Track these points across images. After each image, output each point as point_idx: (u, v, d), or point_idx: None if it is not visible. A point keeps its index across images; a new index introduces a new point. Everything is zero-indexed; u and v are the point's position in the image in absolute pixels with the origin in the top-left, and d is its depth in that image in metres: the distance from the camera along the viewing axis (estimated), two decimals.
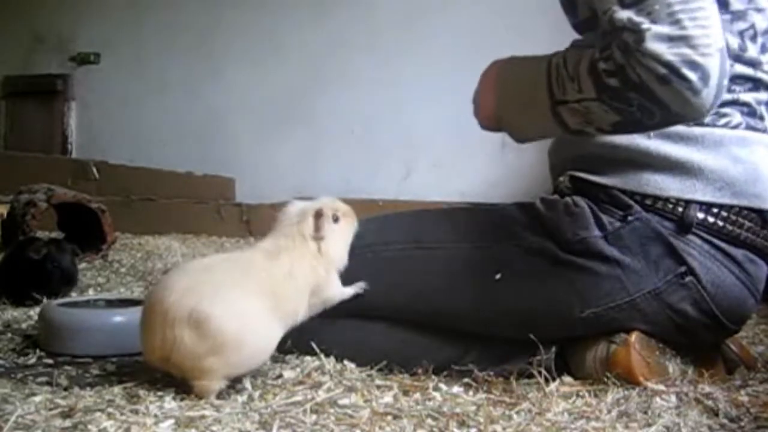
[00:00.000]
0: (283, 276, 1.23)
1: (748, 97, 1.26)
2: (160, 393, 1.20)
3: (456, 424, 1.08)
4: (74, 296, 2.02)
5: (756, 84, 1.27)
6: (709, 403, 1.14)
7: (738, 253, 1.27)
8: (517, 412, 1.12)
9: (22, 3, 4.79)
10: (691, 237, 1.26)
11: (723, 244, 1.26)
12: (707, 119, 1.21)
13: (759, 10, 1.27)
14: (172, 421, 1.05)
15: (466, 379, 1.29)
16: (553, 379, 1.26)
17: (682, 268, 1.26)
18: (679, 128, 1.23)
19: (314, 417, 1.09)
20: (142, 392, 1.20)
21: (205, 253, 3.13)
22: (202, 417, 1.07)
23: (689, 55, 1.06)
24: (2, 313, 1.88)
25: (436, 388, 1.24)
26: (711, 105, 1.09)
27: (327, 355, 1.38)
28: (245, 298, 1.18)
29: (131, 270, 2.64)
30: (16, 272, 2.02)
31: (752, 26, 1.26)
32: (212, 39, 4.38)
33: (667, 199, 1.26)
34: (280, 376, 1.30)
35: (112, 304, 1.68)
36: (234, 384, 1.21)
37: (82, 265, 2.41)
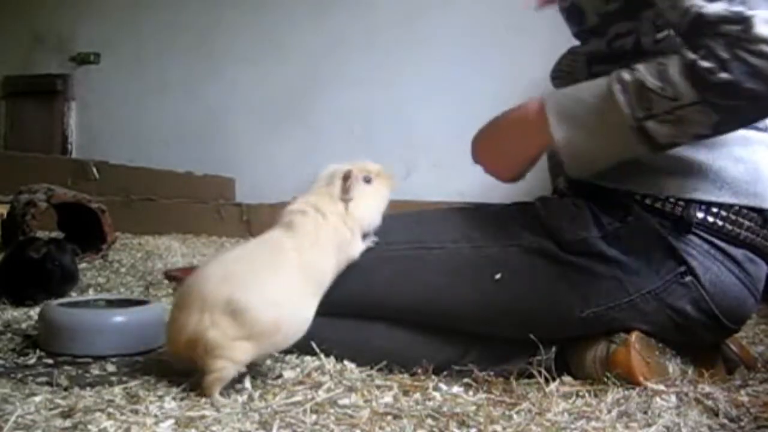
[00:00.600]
0: (310, 245, 1.25)
1: None
2: (160, 393, 1.20)
3: (456, 424, 1.07)
4: (74, 296, 2.02)
5: None
6: (709, 403, 1.14)
7: (738, 252, 1.27)
8: (517, 412, 1.12)
9: (22, 3, 4.80)
10: (690, 237, 1.26)
11: (723, 244, 1.26)
12: None
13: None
14: (172, 421, 1.05)
15: (466, 379, 1.29)
16: (553, 379, 1.26)
17: (682, 268, 1.26)
18: None
19: (314, 417, 1.09)
20: (142, 392, 1.20)
21: (204, 253, 3.13)
22: (202, 417, 1.07)
23: None
24: (2, 313, 1.88)
25: (436, 388, 1.24)
26: None
27: (327, 355, 1.38)
28: (279, 284, 1.22)
29: (131, 270, 2.64)
30: (17, 272, 2.02)
31: None
32: (212, 39, 4.38)
33: (666, 199, 1.26)
34: (280, 376, 1.30)
35: (112, 304, 1.68)
36: (234, 384, 1.21)
37: (82, 265, 2.41)
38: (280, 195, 3.90)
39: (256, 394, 1.19)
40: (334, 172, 1.32)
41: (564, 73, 1.43)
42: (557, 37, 1.45)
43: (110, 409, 1.09)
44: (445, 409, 1.14)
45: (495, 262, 1.27)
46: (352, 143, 4.03)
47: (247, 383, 1.22)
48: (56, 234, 2.82)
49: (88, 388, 1.23)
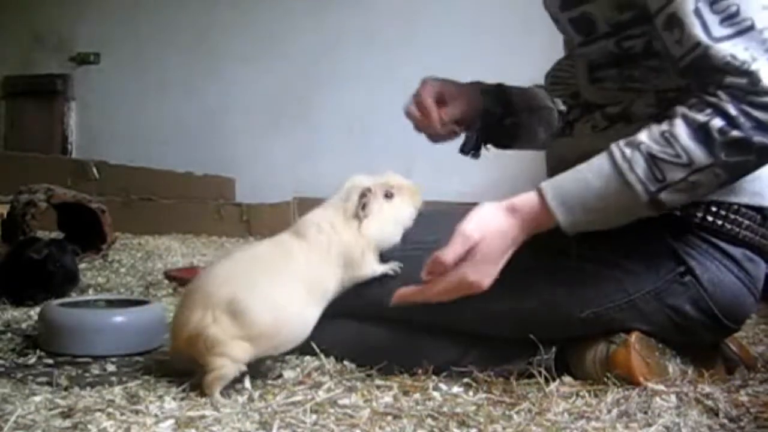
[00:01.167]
0: (319, 259, 1.26)
1: None
2: (160, 393, 1.20)
3: (456, 424, 1.08)
4: (74, 296, 2.02)
5: None
6: (709, 403, 1.14)
7: (737, 251, 1.27)
8: (517, 412, 1.12)
9: (22, 3, 4.80)
10: (690, 236, 1.26)
11: (722, 243, 1.26)
12: None
13: None
14: (172, 421, 1.05)
15: (466, 379, 1.29)
16: (553, 379, 1.26)
17: (681, 268, 1.26)
18: None
19: (314, 417, 1.09)
20: (142, 392, 1.20)
21: (204, 253, 3.13)
22: (202, 417, 1.07)
23: None
24: (2, 313, 1.88)
25: (436, 388, 1.24)
26: None
27: (327, 355, 1.38)
28: (282, 289, 1.22)
29: (131, 270, 2.64)
30: (18, 272, 2.01)
31: None
32: (212, 39, 4.38)
33: None
34: (280, 376, 1.30)
35: (112, 304, 1.68)
36: (234, 384, 1.21)
37: (82, 265, 2.41)
38: (280, 195, 3.92)
39: (256, 394, 1.19)
40: (353, 187, 1.30)
41: (562, 79, 1.43)
42: (557, 37, 1.45)
43: (110, 409, 1.09)
44: (445, 409, 1.14)
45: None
46: (352, 142, 4.03)
47: (247, 383, 1.22)
48: (56, 234, 2.82)
49: (88, 388, 1.23)
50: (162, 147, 4.33)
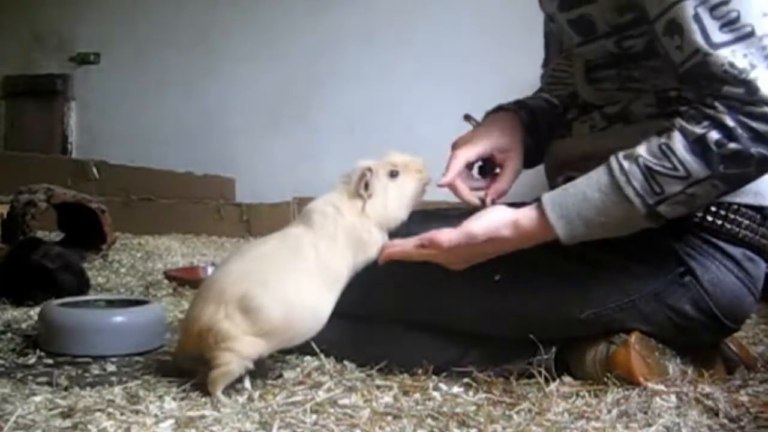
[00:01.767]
0: (327, 245, 1.25)
1: None
2: (160, 393, 1.20)
3: (456, 424, 1.08)
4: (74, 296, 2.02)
5: None
6: (709, 403, 1.14)
7: (737, 251, 1.27)
8: (517, 412, 1.12)
9: (22, 3, 4.80)
10: (689, 236, 1.26)
11: (722, 243, 1.26)
12: None
13: None
14: (172, 421, 1.05)
15: (466, 379, 1.29)
16: (553, 379, 1.26)
17: (681, 268, 1.26)
18: None
19: (314, 417, 1.09)
20: (142, 392, 1.20)
21: (204, 253, 3.13)
22: (202, 417, 1.07)
23: None
24: (2, 313, 1.88)
25: (436, 388, 1.24)
26: None
27: (327, 355, 1.38)
28: (295, 284, 1.22)
29: (131, 270, 2.64)
30: (24, 276, 2.01)
31: None
32: (212, 38, 4.38)
33: None
34: (280, 376, 1.30)
35: (112, 304, 1.68)
36: (234, 384, 1.21)
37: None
38: (280, 195, 3.92)
39: (256, 394, 1.19)
40: (354, 169, 1.30)
41: (559, 79, 1.43)
42: None
43: (110, 409, 1.09)
44: (445, 409, 1.14)
45: (494, 262, 1.27)
46: (352, 142, 4.03)
47: (247, 383, 1.22)
48: (56, 234, 2.82)
49: (88, 388, 1.23)
50: (162, 147, 4.33)
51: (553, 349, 1.31)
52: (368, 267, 1.30)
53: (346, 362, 1.38)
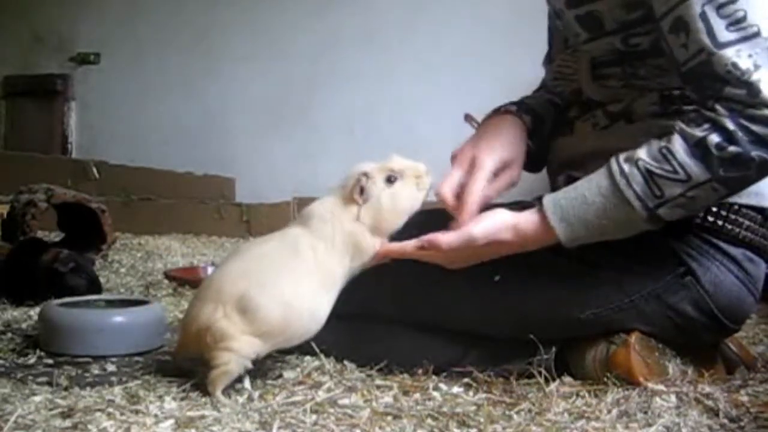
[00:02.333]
0: (325, 248, 1.25)
1: None
2: (160, 393, 1.20)
3: (456, 424, 1.08)
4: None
5: None
6: (709, 403, 1.14)
7: (737, 252, 1.27)
8: (517, 412, 1.12)
9: (22, 3, 4.79)
10: (690, 237, 1.26)
11: (722, 244, 1.26)
12: None
13: None
14: (172, 421, 1.05)
15: (466, 379, 1.28)
16: (553, 379, 1.26)
17: (681, 268, 1.26)
18: None
19: (314, 417, 1.09)
20: (142, 392, 1.20)
21: (204, 253, 3.13)
22: (202, 417, 1.07)
23: None
24: (2, 313, 1.88)
25: (436, 388, 1.24)
26: None
27: (327, 355, 1.38)
28: (293, 285, 1.22)
29: (131, 270, 2.64)
30: (37, 279, 2.00)
31: None
32: (212, 38, 4.38)
33: None
34: (280, 376, 1.30)
35: (112, 304, 1.68)
36: (234, 384, 1.21)
37: None
38: (280, 195, 3.92)
39: (256, 394, 1.19)
40: (351, 173, 1.28)
41: (564, 75, 1.42)
42: None
43: (110, 409, 1.09)
44: (445, 409, 1.14)
45: (494, 262, 1.27)
46: (353, 142, 4.03)
47: (247, 383, 1.22)
48: (56, 234, 2.82)
49: (88, 388, 1.23)
50: (162, 147, 4.33)
51: (553, 349, 1.31)
52: (369, 269, 1.30)
53: (346, 362, 1.38)
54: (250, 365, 1.20)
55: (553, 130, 1.45)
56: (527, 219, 1.21)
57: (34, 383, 1.28)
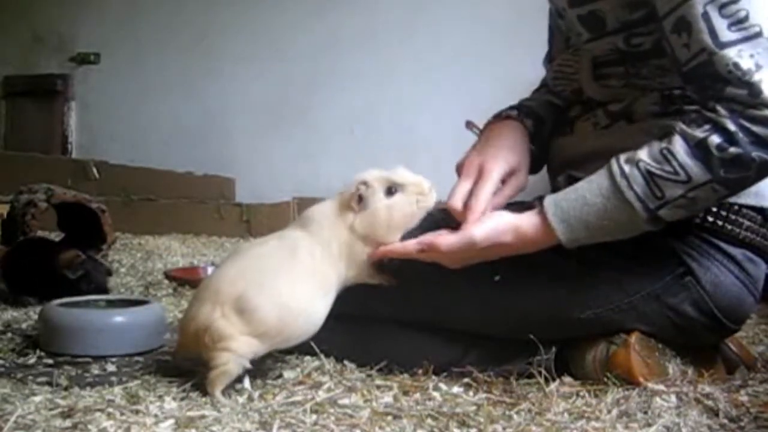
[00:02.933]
0: (322, 253, 1.25)
1: None
2: (160, 393, 1.20)
3: (456, 424, 1.08)
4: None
5: None
6: (709, 403, 1.14)
7: (737, 252, 1.27)
8: (517, 412, 1.12)
9: (22, 3, 4.79)
10: (690, 237, 1.26)
11: (722, 244, 1.26)
12: None
13: None
14: (172, 421, 1.05)
15: (466, 379, 1.29)
16: (553, 379, 1.26)
17: (682, 269, 1.26)
18: None
19: (314, 417, 1.09)
20: (142, 392, 1.20)
21: (204, 253, 3.13)
22: (202, 417, 1.07)
23: None
24: (2, 313, 1.88)
25: (436, 388, 1.24)
26: None
27: (327, 355, 1.38)
28: (290, 287, 1.22)
29: (131, 270, 2.64)
30: (48, 283, 2.00)
31: None
32: (212, 38, 4.38)
33: None
34: (280, 376, 1.30)
35: (112, 304, 1.68)
36: (234, 384, 1.21)
37: None
38: (280, 195, 3.92)
39: (256, 394, 1.19)
40: (353, 181, 1.27)
41: (565, 74, 1.42)
42: None
43: (110, 409, 1.09)
44: (445, 409, 1.14)
45: (494, 262, 1.27)
46: (353, 142, 4.03)
47: (247, 383, 1.22)
48: (56, 234, 2.82)
49: (88, 388, 1.23)
50: (162, 147, 4.33)
51: (553, 349, 1.31)
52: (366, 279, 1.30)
53: (346, 362, 1.38)
54: (248, 365, 1.20)
55: (553, 130, 1.45)
56: (528, 221, 1.21)
57: (34, 383, 1.28)
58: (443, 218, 1.29)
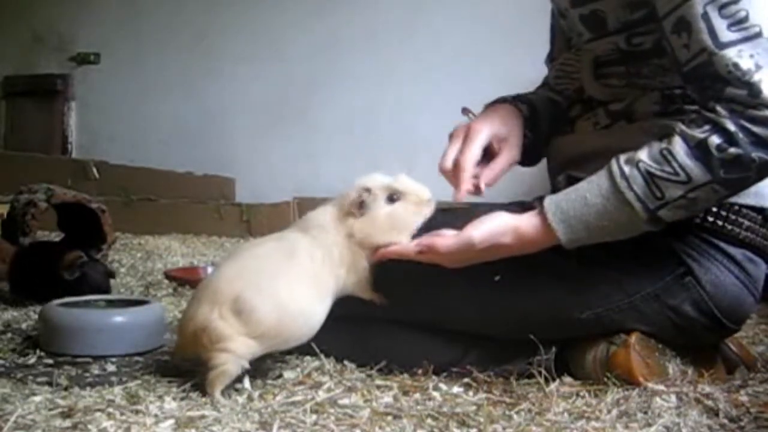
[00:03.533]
0: (323, 256, 1.25)
1: None
2: (160, 393, 1.20)
3: (456, 424, 1.08)
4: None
5: None
6: (709, 403, 1.14)
7: (737, 252, 1.27)
8: (517, 412, 1.12)
9: (22, 3, 4.79)
10: (690, 237, 1.26)
11: (722, 244, 1.26)
12: None
13: None
14: (172, 421, 1.06)
15: (466, 379, 1.29)
16: (553, 379, 1.26)
17: (682, 269, 1.26)
18: None
19: (314, 417, 1.09)
20: (142, 392, 1.20)
21: (204, 253, 3.13)
22: (202, 417, 1.07)
23: None
24: (2, 313, 1.88)
25: (436, 388, 1.25)
26: None
27: (327, 355, 1.38)
28: (288, 289, 1.22)
29: (131, 270, 2.64)
30: (46, 285, 2.00)
31: None
32: (212, 38, 4.38)
33: None
34: (280, 376, 1.30)
35: (112, 304, 1.68)
36: (234, 384, 1.21)
37: None
38: (280, 195, 3.91)
39: (256, 394, 1.19)
40: (355, 186, 1.28)
41: (566, 73, 1.42)
42: None
43: (110, 409, 1.09)
44: (445, 409, 1.14)
45: (494, 262, 1.27)
46: (353, 142, 4.02)
47: (247, 383, 1.22)
48: (56, 234, 2.82)
49: (88, 388, 1.23)
50: (162, 147, 4.33)
51: (553, 349, 1.31)
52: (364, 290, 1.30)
53: (346, 362, 1.38)
54: (247, 366, 1.20)
55: (553, 129, 1.45)
56: (527, 221, 1.21)
57: (34, 383, 1.28)
58: (443, 220, 1.29)
